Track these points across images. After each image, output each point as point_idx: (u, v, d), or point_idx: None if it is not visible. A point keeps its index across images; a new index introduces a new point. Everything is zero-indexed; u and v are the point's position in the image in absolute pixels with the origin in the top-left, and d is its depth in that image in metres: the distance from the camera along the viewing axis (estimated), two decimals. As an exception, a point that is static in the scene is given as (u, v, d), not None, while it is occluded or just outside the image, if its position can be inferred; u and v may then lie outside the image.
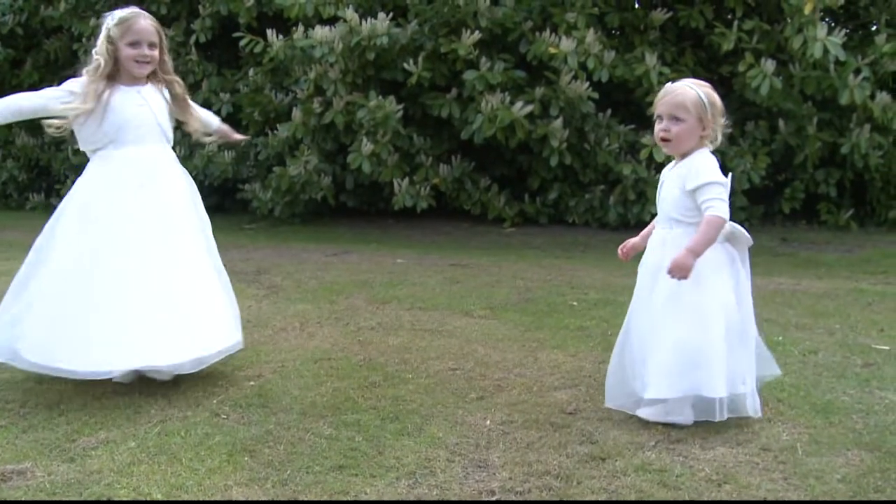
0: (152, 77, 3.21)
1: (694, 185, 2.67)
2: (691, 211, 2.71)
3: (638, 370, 2.77)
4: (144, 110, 3.15)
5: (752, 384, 2.73)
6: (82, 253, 3.03)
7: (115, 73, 3.14)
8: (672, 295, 2.69)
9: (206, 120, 3.51)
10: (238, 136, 3.67)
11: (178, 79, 3.29)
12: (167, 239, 3.10)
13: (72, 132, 3.16)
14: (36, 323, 2.99)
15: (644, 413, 2.75)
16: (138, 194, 3.09)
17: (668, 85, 2.79)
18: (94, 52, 3.16)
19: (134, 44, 3.09)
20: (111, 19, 3.11)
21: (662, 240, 2.78)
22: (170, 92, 3.26)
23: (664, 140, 2.77)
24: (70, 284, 2.99)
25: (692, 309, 2.67)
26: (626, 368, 2.81)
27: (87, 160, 3.21)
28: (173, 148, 3.29)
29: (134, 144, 3.13)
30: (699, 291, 2.67)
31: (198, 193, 3.32)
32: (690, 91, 2.71)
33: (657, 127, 2.76)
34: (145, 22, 3.12)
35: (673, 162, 2.86)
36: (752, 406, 2.72)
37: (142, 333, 2.96)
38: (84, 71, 3.15)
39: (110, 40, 3.10)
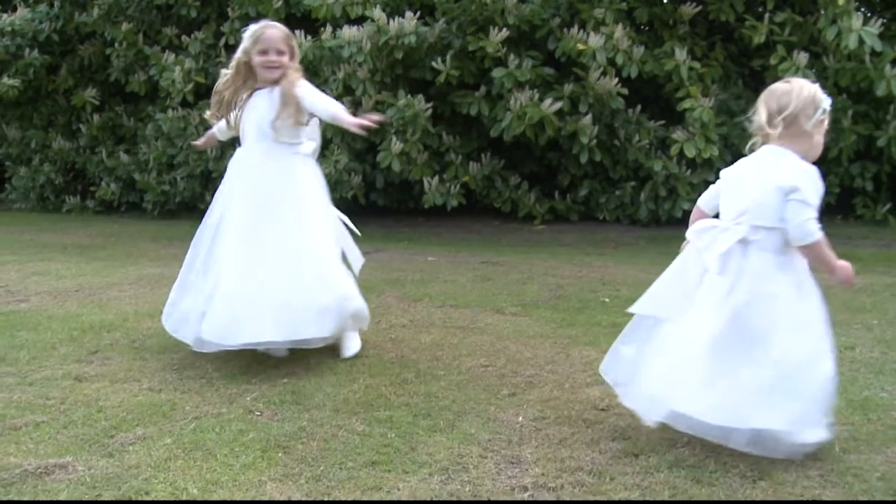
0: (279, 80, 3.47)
1: None
2: None
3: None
4: (248, 114, 3.48)
5: None
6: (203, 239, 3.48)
7: (252, 80, 3.50)
8: None
9: (315, 108, 3.48)
10: (353, 121, 3.35)
11: (291, 78, 3.45)
12: (238, 228, 3.38)
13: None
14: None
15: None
16: (229, 189, 3.47)
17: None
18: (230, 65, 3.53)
19: (263, 51, 3.42)
20: (246, 33, 3.48)
21: None
22: (280, 91, 3.46)
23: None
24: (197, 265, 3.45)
25: None
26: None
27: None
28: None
29: (245, 142, 3.53)
30: None
31: (302, 187, 3.50)
32: None
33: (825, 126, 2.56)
34: (271, 31, 3.45)
35: None
36: None
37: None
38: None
39: (245, 52, 3.45)
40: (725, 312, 2.44)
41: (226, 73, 3.53)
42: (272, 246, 3.34)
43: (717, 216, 2.65)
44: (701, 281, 2.54)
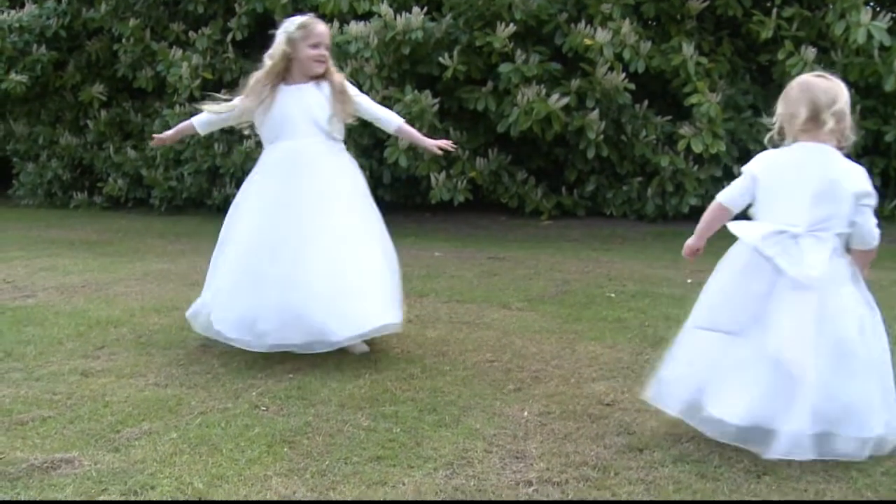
0: (322, 76, 3.44)
1: None
2: None
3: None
4: (299, 107, 3.40)
5: None
6: (242, 233, 3.42)
7: (286, 73, 3.42)
8: None
9: (375, 116, 3.57)
10: (432, 143, 3.57)
11: (338, 77, 3.47)
12: (311, 221, 3.33)
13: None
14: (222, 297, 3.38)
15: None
16: (288, 182, 3.38)
17: None
18: (266, 55, 3.44)
19: (315, 45, 3.39)
20: (291, 24, 3.41)
21: None
22: (330, 87, 3.43)
23: None
24: (235, 262, 3.39)
25: None
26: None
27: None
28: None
29: (290, 138, 3.42)
30: None
31: (356, 182, 3.52)
32: None
33: None
34: (323, 27, 3.44)
35: None
36: None
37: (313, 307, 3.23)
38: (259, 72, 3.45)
39: (290, 43, 3.37)
40: (816, 325, 2.36)
41: (268, 63, 3.42)
42: (356, 237, 3.38)
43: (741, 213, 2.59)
44: (771, 292, 2.40)
